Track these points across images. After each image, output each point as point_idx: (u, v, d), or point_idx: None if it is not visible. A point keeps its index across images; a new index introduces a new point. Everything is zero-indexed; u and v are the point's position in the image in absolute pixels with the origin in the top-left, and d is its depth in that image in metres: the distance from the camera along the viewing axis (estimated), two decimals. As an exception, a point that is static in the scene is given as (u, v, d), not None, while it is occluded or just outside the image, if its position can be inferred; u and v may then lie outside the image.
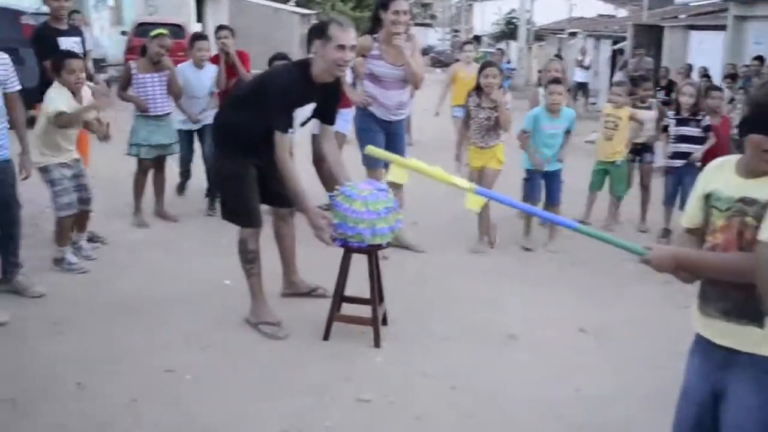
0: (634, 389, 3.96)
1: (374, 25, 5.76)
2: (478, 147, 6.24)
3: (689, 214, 2.53)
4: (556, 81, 6.48)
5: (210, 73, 6.92)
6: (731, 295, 2.33)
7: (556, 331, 4.74)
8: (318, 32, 4.22)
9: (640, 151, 7.36)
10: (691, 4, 19.32)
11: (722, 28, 14.81)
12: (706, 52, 16.25)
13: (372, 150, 3.96)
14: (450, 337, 4.52)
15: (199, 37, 7.29)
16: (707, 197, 2.44)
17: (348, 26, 4.21)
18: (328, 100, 4.48)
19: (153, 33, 6.52)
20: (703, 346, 2.46)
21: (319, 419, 3.50)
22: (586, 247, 6.21)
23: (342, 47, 4.10)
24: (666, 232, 6.91)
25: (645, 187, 7.42)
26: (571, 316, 4.96)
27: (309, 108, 4.41)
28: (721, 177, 2.43)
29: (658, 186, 7.32)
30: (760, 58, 11.76)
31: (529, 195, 6.46)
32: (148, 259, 5.67)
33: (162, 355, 4.07)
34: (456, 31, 68.30)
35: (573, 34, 28.81)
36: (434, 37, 66.17)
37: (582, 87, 19.88)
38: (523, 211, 6.37)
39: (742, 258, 2.22)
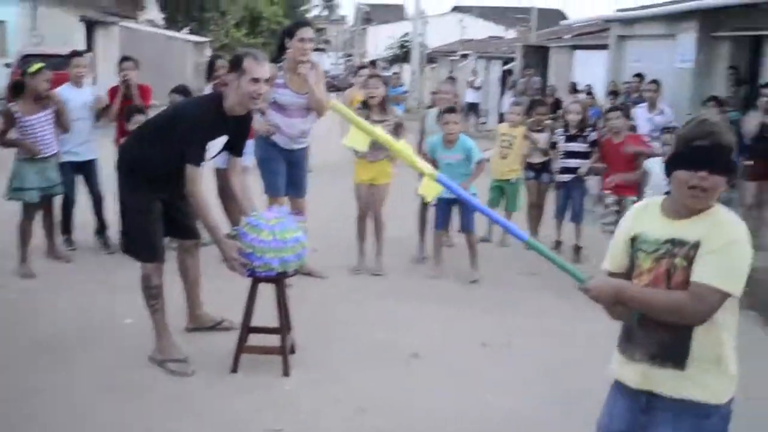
0: (541, 398, 4.13)
1: (279, 53, 5.79)
2: (367, 161, 6.23)
3: (614, 258, 2.51)
4: (451, 110, 6.43)
5: (88, 92, 6.68)
6: (659, 337, 2.34)
7: (459, 346, 4.89)
8: (233, 66, 4.25)
9: (539, 171, 7.55)
10: (575, 24, 20.20)
11: (604, 47, 15.55)
12: (589, 71, 17.00)
13: (335, 105, 3.88)
14: (356, 360, 4.60)
15: (76, 54, 6.94)
16: (633, 240, 2.44)
17: (263, 60, 4.24)
18: (240, 133, 4.49)
19: (31, 69, 6.01)
20: (626, 390, 2.46)
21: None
22: (482, 264, 6.45)
23: (257, 80, 4.14)
24: (557, 244, 7.22)
25: (539, 206, 7.64)
26: (473, 332, 5.13)
27: (221, 141, 4.40)
28: (647, 219, 2.44)
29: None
30: (639, 75, 12.42)
31: (438, 222, 6.49)
32: (44, 301, 5.48)
33: (67, 399, 3.96)
34: (349, 55, 69.14)
35: (464, 56, 29.59)
36: (328, 62, 66.63)
37: (473, 107, 20.46)
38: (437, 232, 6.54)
39: (689, 297, 2.22)
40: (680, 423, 2.34)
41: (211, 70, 7.00)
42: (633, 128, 8.32)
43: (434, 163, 6.03)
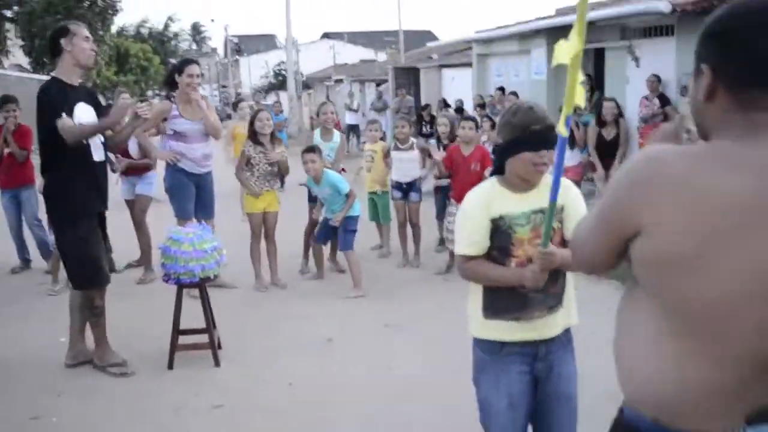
0: (434, 363, 4.92)
1: (171, 88, 6.42)
2: (262, 191, 6.72)
3: (477, 244, 2.71)
4: (309, 150, 6.63)
5: None
6: (553, 291, 2.74)
7: (365, 330, 5.65)
8: (59, 35, 4.59)
9: (406, 191, 7.69)
10: (440, 44, 21.50)
11: (469, 65, 16.79)
12: (458, 87, 18.26)
13: None
14: (278, 349, 5.27)
15: None
16: (496, 221, 2.68)
17: (82, 24, 4.75)
18: (96, 103, 4.84)
19: None
20: (514, 350, 2.76)
21: (182, 427, 4.11)
22: (379, 263, 7.25)
23: (87, 38, 4.63)
24: (442, 241, 8.06)
25: (414, 225, 7.71)
26: (376, 317, 5.90)
27: (88, 112, 4.70)
28: (500, 201, 2.71)
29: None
30: (501, 89, 13.64)
31: (318, 236, 6.96)
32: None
33: (23, 406, 4.43)
34: (224, 86, 69.25)
35: (339, 81, 30.54)
36: (205, 93, 66.02)
37: (353, 128, 21.35)
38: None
39: None
40: (567, 350, 2.86)
41: None
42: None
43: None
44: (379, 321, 5.82)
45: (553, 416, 2.88)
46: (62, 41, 4.57)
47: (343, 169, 7.38)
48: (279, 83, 47.94)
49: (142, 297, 6.59)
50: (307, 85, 40.27)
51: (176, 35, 65.82)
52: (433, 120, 15.38)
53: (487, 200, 2.73)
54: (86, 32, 4.66)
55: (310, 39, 60.09)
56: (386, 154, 7.67)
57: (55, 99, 4.51)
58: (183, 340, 5.04)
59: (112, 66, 40.59)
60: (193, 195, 6.46)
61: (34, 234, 7.62)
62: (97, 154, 4.73)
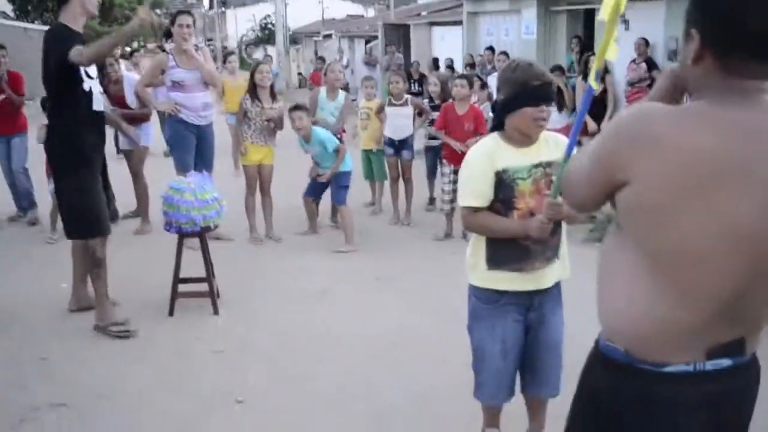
0: (424, 314, 5.13)
1: (167, 39, 6.53)
2: (257, 144, 6.88)
3: (483, 194, 2.82)
4: (296, 108, 6.75)
5: None
6: (552, 242, 2.89)
7: (357, 283, 5.85)
8: None
9: (399, 148, 7.76)
10: (430, 1, 21.41)
11: (459, 23, 16.78)
12: (448, 46, 18.25)
13: None
14: (274, 300, 5.47)
15: None
16: (500, 174, 2.79)
17: None
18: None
19: None
20: (511, 300, 2.93)
21: (186, 369, 4.30)
22: (372, 219, 7.44)
23: None
24: (432, 200, 8.25)
25: (407, 181, 7.83)
26: (368, 271, 6.10)
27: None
28: (503, 154, 2.82)
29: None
30: (491, 48, 13.69)
31: (308, 191, 7.13)
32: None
33: (30, 347, 4.61)
34: (210, 39, 68.37)
35: (328, 36, 30.36)
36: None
37: (343, 86, 21.29)
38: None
39: None
40: (557, 302, 3.07)
41: None
42: (490, 96, 9.45)
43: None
44: (371, 274, 6.02)
45: (541, 362, 3.09)
46: None
47: (343, 130, 7.48)
48: (266, 37, 47.43)
49: (140, 247, 6.76)
50: (294, 40, 39.95)
51: (162, -15, 64.75)
52: (421, 78, 15.41)
53: (491, 153, 2.85)
54: None
55: (299, -8, 59.22)
56: (380, 110, 7.77)
57: (66, 41, 4.50)
58: (182, 288, 5.21)
59: (97, 17, 40.02)
60: (193, 147, 6.59)
61: (19, 182, 7.72)
62: (97, 104, 4.77)
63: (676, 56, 9.18)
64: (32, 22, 31.00)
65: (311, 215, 7.32)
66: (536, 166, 2.83)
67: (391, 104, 7.72)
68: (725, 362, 1.71)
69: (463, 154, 6.40)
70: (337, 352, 4.55)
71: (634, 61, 9.95)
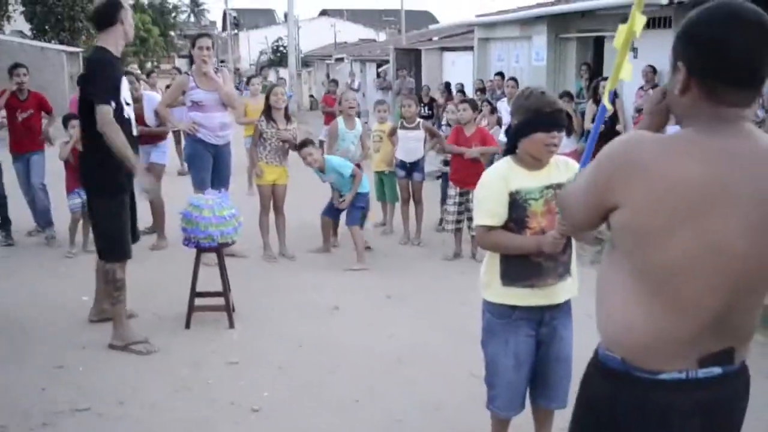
0: (434, 331, 5.26)
1: (190, 63, 6.77)
2: (272, 165, 7.06)
3: (498, 215, 2.97)
4: (303, 144, 6.95)
5: None
6: (563, 259, 3.03)
7: (369, 300, 5.99)
8: (115, 8, 4.64)
9: (410, 170, 7.90)
10: (442, 26, 21.70)
11: (470, 48, 17.03)
12: (458, 70, 18.50)
13: None
14: (288, 314, 5.60)
15: None
16: (513, 195, 2.95)
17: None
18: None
19: None
20: (524, 316, 3.06)
21: (202, 379, 4.43)
22: (383, 239, 7.59)
23: (132, 15, 4.80)
24: (442, 221, 8.37)
25: (417, 202, 7.98)
26: (379, 289, 6.24)
27: (126, 87, 4.87)
28: (516, 177, 2.98)
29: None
30: (500, 74, 13.90)
31: (325, 210, 7.30)
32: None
33: (50, 356, 4.75)
34: (222, 61, 69.04)
35: (340, 59, 30.70)
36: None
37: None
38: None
39: None
40: (567, 317, 3.19)
41: None
42: (499, 120, 9.63)
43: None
44: (382, 292, 6.16)
45: (552, 376, 3.22)
46: (118, 14, 4.64)
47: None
48: (278, 59, 47.94)
49: (156, 262, 6.91)
50: (305, 63, 40.37)
51: (175, 7, 65.55)
52: (431, 102, 15.64)
53: (505, 175, 3.00)
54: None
55: (309, 16, 59.99)
56: (392, 132, 7.92)
57: (113, 70, 4.66)
58: (198, 302, 5.34)
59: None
60: (210, 165, 6.76)
61: (37, 198, 7.77)
62: (134, 129, 4.94)
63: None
64: (49, 41, 31.51)
65: (326, 234, 7.46)
66: (547, 187, 2.99)
67: (403, 127, 7.86)
68: (716, 370, 1.81)
69: (469, 175, 6.81)
70: (350, 365, 4.67)
71: (642, 87, 10.12)
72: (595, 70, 12.40)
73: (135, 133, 4.93)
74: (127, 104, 4.79)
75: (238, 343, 5.02)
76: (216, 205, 5.11)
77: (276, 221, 7.27)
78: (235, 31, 68.15)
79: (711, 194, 1.67)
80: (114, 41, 4.69)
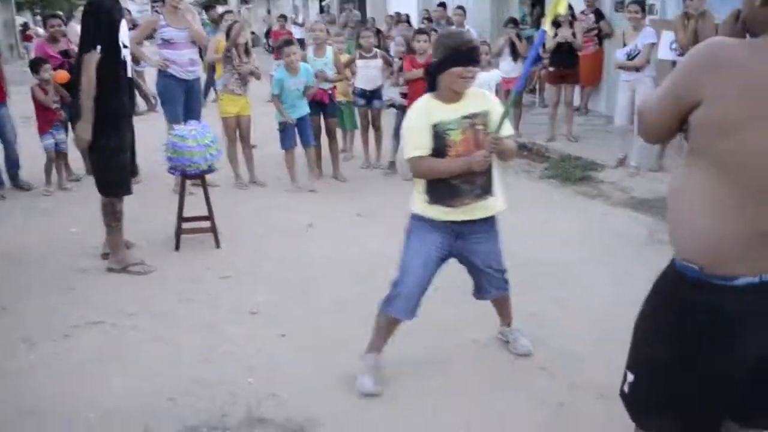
0: (397, 242, 5.73)
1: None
2: (235, 95, 7.41)
3: (423, 145, 3.29)
4: (289, 42, 7.40)
5: None
6: (482, 181, 3.34)
7: (340, 217, 6.50)
8: None
9: (370, 98, 8.26)
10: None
11: (413, -22, 17.26)
12: (403, 2, 18.69)
13: None
14: (267, 233, 6.10)
15: None
16: (435, 127, 3.27)
17: None
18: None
19: None
20: (441, 226, 3.42)
21: (202, 291, 4.92)
22: (345, 165, 8.05)
23: None
24: (391, 165, 8.58)
25: (377, 128, 8.46)
26: (347, 209, 6.74)
27: (125, 29, 4.96)
28: (436, 110, 3.29)
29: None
30: (443, 4, 14.22)
31: (285, 142, 7.51)
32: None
33: (57, 281, 5.16)
34: (155, 1, 66.97)
35: (281, -6, 30.40)
36: (134, 9, 63.85)
37: (300, 42, 21.60)
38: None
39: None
40: (490, 232, 3.56)
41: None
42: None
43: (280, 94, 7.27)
44: (351, 211, 6.66)
45: (483, 277, 3.67)
46: None
47: (333, 88, 7.92)
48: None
49: (135, 194, 7.23)
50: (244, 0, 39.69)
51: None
52: (378, 33, 15.85)
53: (426, 110, 3.34)
54: None
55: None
56: (348, 64, 8.24)
57: (107, 15, 4.76)
58: (184, 226, 5.77)
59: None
60: (182, 99, 7.09)
61: (11, 152, 7.68)
62: (131, 71, 5.11)
63: (622, 7, 9.79)
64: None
65: (291, 165, 7.73)
66: (464, 117, 3.32)
67: (361, 57, 8.22)
68: None
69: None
70: (327, 274, 5.18)
71: (583, 11, 10.60)
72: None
73: (130, 74, 5.10)
74: (125, 47, 4.94)
75: (226, 260, 5.48)
76: (198, 134, 5.48)
77: (243, 150, 7.67)
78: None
79: None
80: None
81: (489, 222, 3.56)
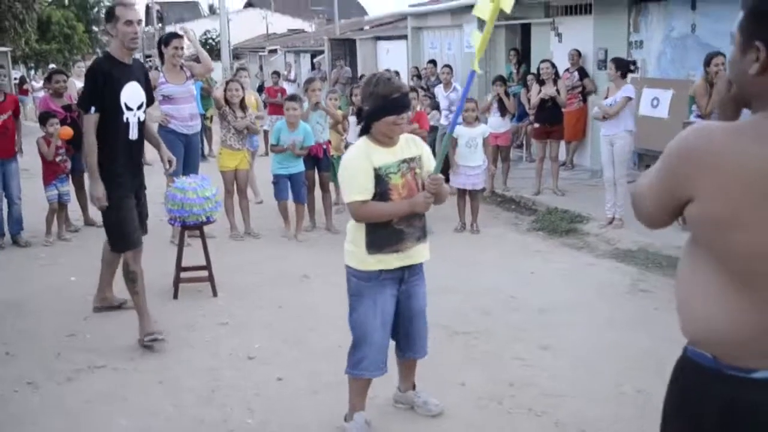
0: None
1: (160, 59, 7.40)
2: (234, 149, 7.73)
3: (367, 190, 3.28)
4: (292, 98, 7.81)
5: None
6: (420, 225, 3.44)
7: (333, 268, 6.52)
8: (108, 18, 4.80)
9: None
10: (375, 17, 22.34)
11: (404, 37, 17.76)
12: (393, 59, 19.22)
13: None
14: (263, 282, 6.28)
15: None
16: (377, 171, 3.28)
17: (131, 4, 4.76)
18: (146, 78, 5.07)
19: None
20: (388, 276, 3.42)
21: (200, 337, 5.08)
22: (337, 217, 8.27)
23: (130, 22, 4.70)
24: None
25: None
26: (342, 259, 6.83)
27: (137, 90, 4.91)
28: (376, 154, 3.31)
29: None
30: (433, 61, 14.67)
31: (278, 195, 7.85)
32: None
33: (58, 328, 5.30)
34: (148, 56, 67.85)
35: (273, 51, 31.03)
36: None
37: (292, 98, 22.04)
38: None
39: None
40: (421, 276, 3.61)
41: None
42: (436, 105, 10.39)
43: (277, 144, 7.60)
44: (343, 261, 6.82)
45: (413, 328, 3.67)
46: (108, 26, 4.83)
47: (328, 142, 8.27)
48: (208, 53, 47.71)
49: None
50: (236, 56, 40.42)
51: (98, 2, 64.37)
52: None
53: (366, 153, 3.34)
54: (131, 15, 4.72)
55: (235, 8, 59.67)
56: (343, 118, 8.56)
57: (103, 77, 4.72)
58: (182, 276, 5.95)
59: (38, 38, 39.78)
60: (182, 153, 7.32)
61: (14, 208, 7.56)
62: (134, 134, 4.92)
63: (604, 65, 10.19)
64: (3, 44, 30.97)
65: (286, 215, 8.02)
66: (402, 161, 3.37)
67: (353, 113, 8.49)
68: None
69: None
70: (324, 322, 5.34)
71: (567, 70, 11.00)
72: (523, 54, 13.28)
73: (133, 137, 4.91)
74: (128, 109, 4.84)
75: (224, 308, 5.66)
76: (199, 187, 5.71)
77: (240, 203, 7.91)
78: (160, 24, 67.34)
79: None
80: (114, 48, 4.84)
81: (421, 266, 3.63)
